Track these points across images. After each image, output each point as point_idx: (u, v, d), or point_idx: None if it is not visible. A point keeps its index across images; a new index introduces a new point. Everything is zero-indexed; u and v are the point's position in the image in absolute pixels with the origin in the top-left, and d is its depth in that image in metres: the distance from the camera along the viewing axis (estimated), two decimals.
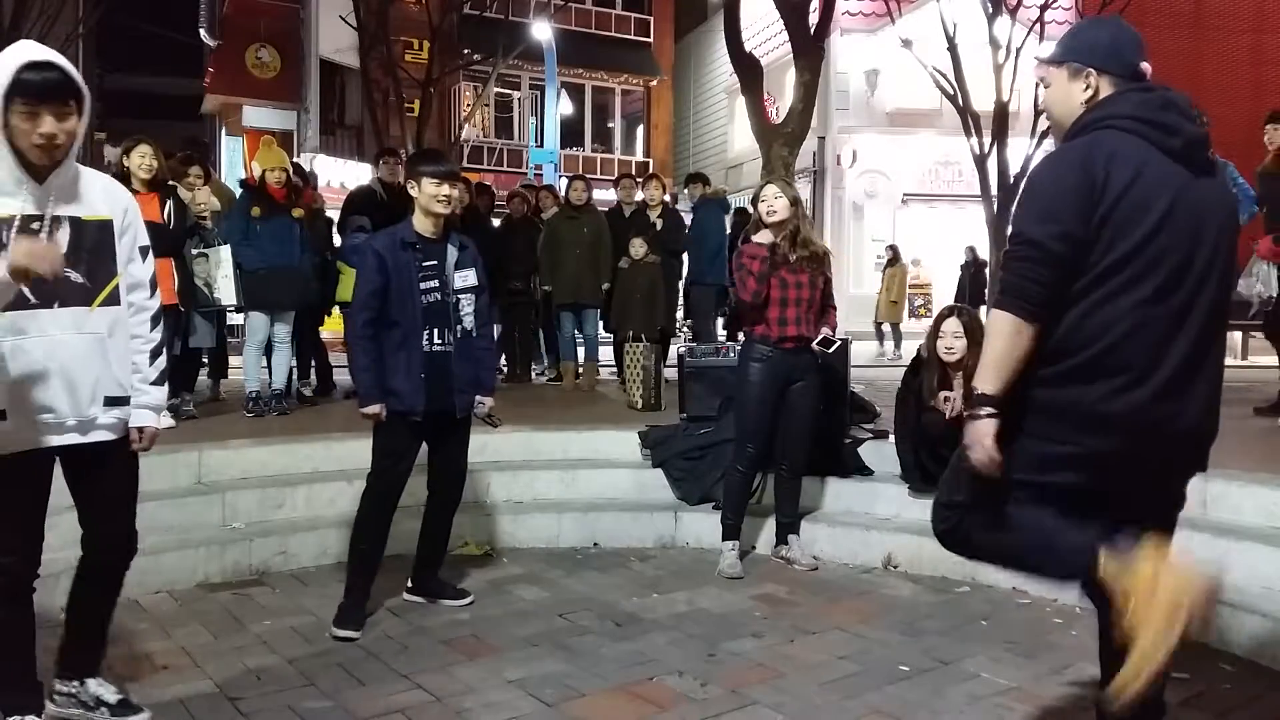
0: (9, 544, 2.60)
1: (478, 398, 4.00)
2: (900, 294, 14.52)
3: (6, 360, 2.51)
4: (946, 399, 4.53)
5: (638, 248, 7.55)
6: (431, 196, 3.79)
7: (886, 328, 14.53)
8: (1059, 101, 2.39)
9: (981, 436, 2.21)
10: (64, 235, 2.58)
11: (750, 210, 4.78)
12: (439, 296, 3.84)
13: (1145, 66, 2.34)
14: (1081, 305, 2.18)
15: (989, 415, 2.21)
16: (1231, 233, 2.31)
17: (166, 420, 5.62)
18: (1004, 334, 2.19)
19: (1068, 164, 2.23)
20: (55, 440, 2.62)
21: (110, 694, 2.88)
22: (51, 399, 2.58)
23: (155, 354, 2.86)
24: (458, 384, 3.89)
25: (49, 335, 2.56)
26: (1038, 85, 2.46)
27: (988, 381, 2.22)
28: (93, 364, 2.63)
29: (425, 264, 3.82)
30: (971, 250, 15.82)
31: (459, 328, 3.89)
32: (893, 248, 15.25)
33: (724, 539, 4.62)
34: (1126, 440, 2.19)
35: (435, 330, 3.83)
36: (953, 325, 4.53)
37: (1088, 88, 2.32)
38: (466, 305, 3.92)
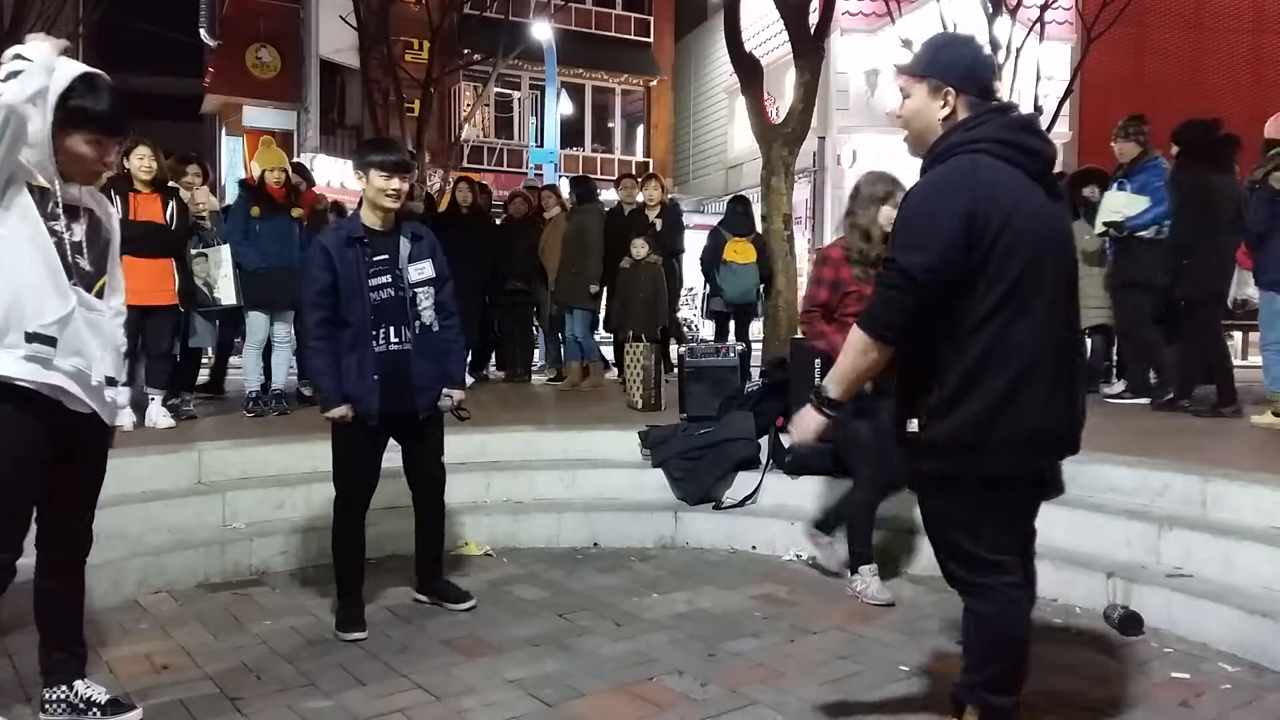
0: (15, 539, 2.66)
1: (444, 391, 3.87)
2: None
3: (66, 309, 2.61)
4: None
5: (639, 248, 7.54)
6: (379, 190, 3.66)
7: None
8: (918, 114, 2.48)
9: (811, 425, 2.50)
10: (82, 226, 2.71)
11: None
12: (392, 293, 3.70)
13: (996, 86, 2.51)
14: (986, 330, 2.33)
15: (829, 416, 2.49)
16: (1071, 249, 2.51)
17: (166, 420, 5.66)
18: (857, 351, 2.41)
19: (947, 192, 2.33)
20: (75, 390, 2.64)
21: (100, 694, 2.89)
22: (83, 349, 2.65)
23: (124, 357, 2.97)
24: (420, 382, 3.76)
25: (86, 307, 2.68)
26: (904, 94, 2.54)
27: (836, 390, 2.47)
28: (99, 340, 2.73)
29: (375, 259, 3.68)
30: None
31: (417, 324, 3.76)
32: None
33: (858, 564, 4.21)
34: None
35: (390, 328, 3.70)
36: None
37: (945, 105, 2.43)
38: (425, 299, 3.78)
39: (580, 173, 22.08)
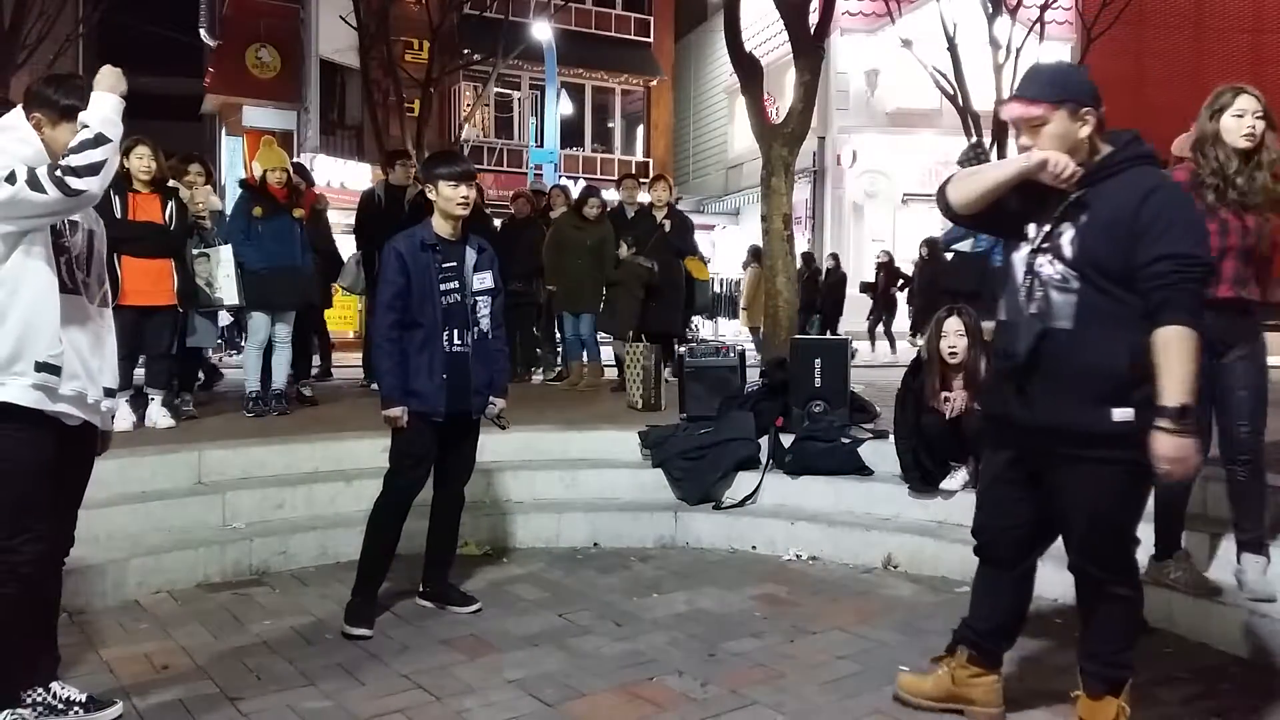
0: (39, 528, 2.71)
1: (491, 398, 4.02)
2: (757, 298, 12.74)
3: (62, 333, 2.68)
4: (946, 399, 4.54)
5: (623, 250, 7.58)
6: (449, 199, 3.80)
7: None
8: (1062, 138, 2.62)
9: (1187, 452, 2.48)
10: (81, 238, 2.80)
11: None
12: (458, 298, 3.86)
13: None
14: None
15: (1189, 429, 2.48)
16: None
17: (166, 420, 5.66)
18: (1193, 350, 2.47)
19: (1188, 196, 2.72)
20: (73, 412, 2.73)
21: (76, 693, 2.92)
22: (80, 372, 2.73)
23: (123, 360, 3.07)
24: (475, 385, 3.91)
25: (88, 319, 2.78)
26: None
27: (1186, 395, 2.46)
28: (99, 354, 2.83)
29: (445, 265, 3.83)
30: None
31: (476, 329, 3.92)
32: (755, 249, 14.15)
33: (1250, 552, 3.59)
34: None
35: (455, 331, 3.85)
36: (955, 324, 4.52)
37: (1086, 125, 2.62)
38: (483, 307, 3.94)
39: (580, 173, 22.01)
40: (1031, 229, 2.71)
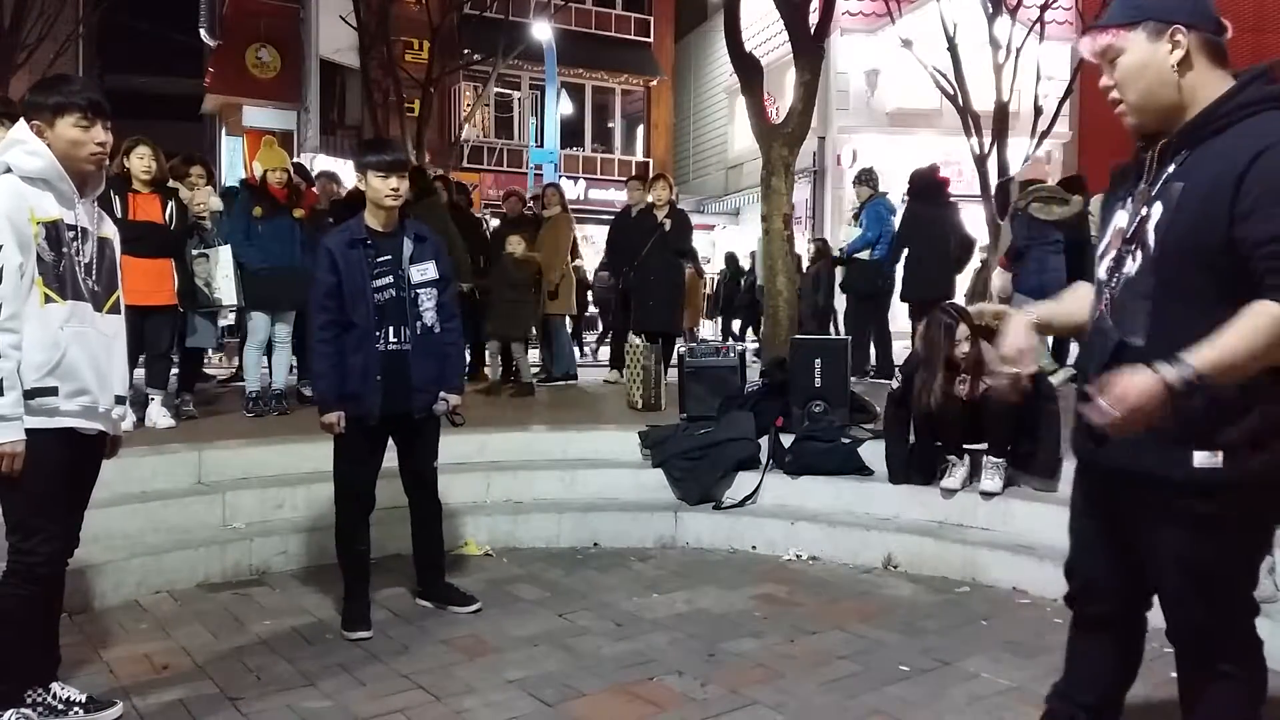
0: (54, 529, 2.76)
1: (441, 394, 3.86)
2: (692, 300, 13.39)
3: (70, 344, 2.70)
4: (963, 380, 4.59)
5: (514, 244, 7.57)
6: (378, 190, 3.66)
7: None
8: (1141, 70, 1.97)
9: (1149, 406, 1.82)
10: (91, 247, 2.83)
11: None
12: (394, 293, 3.71)
13: (1225, 21, 2.00)
14: None
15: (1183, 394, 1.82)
16: None
17: (166, 420, 5.66)
18: (1267, 334, 1.81)
19: None
20: (85, 424, 2.78)
21: (76, 694, 2.93)
22: (91, 384, 2.76)
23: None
24: (417, 383, 3.77)
25: (97, 329, 2.80)
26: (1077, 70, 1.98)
27: (1212, 369, 1.81)
28: (109, 363, 2.85)
29: (378, 260, 3.70)
30: (732, 258, 17.00)
31: (418, 324, 3.76)
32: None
33: None
34: None
35: (391, 328, 3.72)
36: (963, 331, 4.58)
37: (1177, 48, 1.94)
38: (427, 300, 3.78)
39: (580, 173, 21.96)
40: (1121, 215, 2.09)
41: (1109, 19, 2.03)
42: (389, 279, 3.72)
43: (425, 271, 3.79)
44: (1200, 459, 1.91)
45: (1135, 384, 1.83)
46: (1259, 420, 1.88)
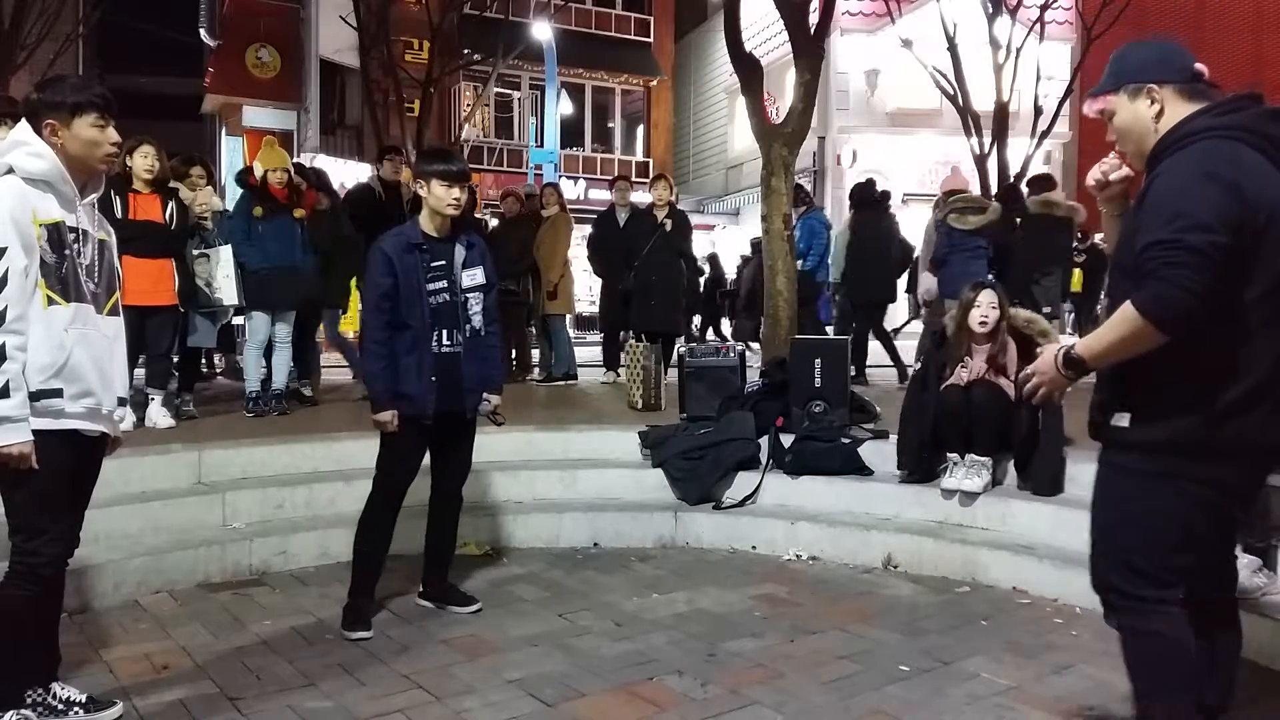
0: (58, 529, 2.76)
1: (485, 395, 3.98)
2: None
3: (74, 346, 2.71)
4: (964, 365, 4.70)
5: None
6: (441, 199, 3.75)
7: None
8: (1131, 125, 2.38)
9: (1053, 379, 2.38)
10: (92, 249, 2.83)
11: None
12: (447, 297, 3.81)
13: (1200, 67, 2.37)
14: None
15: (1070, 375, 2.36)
16: None
17: (166, 420, 5.66)
18: (1127, 329, 2.22)
19: (1211, 165, 2.18)
20: (89, 426, 2.79)
21: (76, 694, 2.93)
22: (95, 385, 2.77)
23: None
24: (467, 384, 3.87)
25: (99, 330, 2.81)
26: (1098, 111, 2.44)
27: (1090, 356, 2.31)
28: (111, 364, 2.86)
29: (433, 264, 3.79)
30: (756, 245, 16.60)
31: (468, 327, 3.87)
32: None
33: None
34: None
35: (445, 331, 3.80)
36: (989, 297, 4.71)
37: (1154, 102, 2.34)
38: (475, 304, 3.89)
39: (580, 173, 21.92)
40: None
41: (1099, 88, 2.45)
42: (443, 283, 3.81)
43: (475, 276, 3.89)
44: (1120, 419, 2.36)
45: (1041, 359, 2.43)
46: (1162, 393, 2.29)
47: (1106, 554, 2.42)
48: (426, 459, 4.00)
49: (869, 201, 8.77)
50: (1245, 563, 3.62)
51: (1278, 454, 2.38)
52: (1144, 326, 2.16)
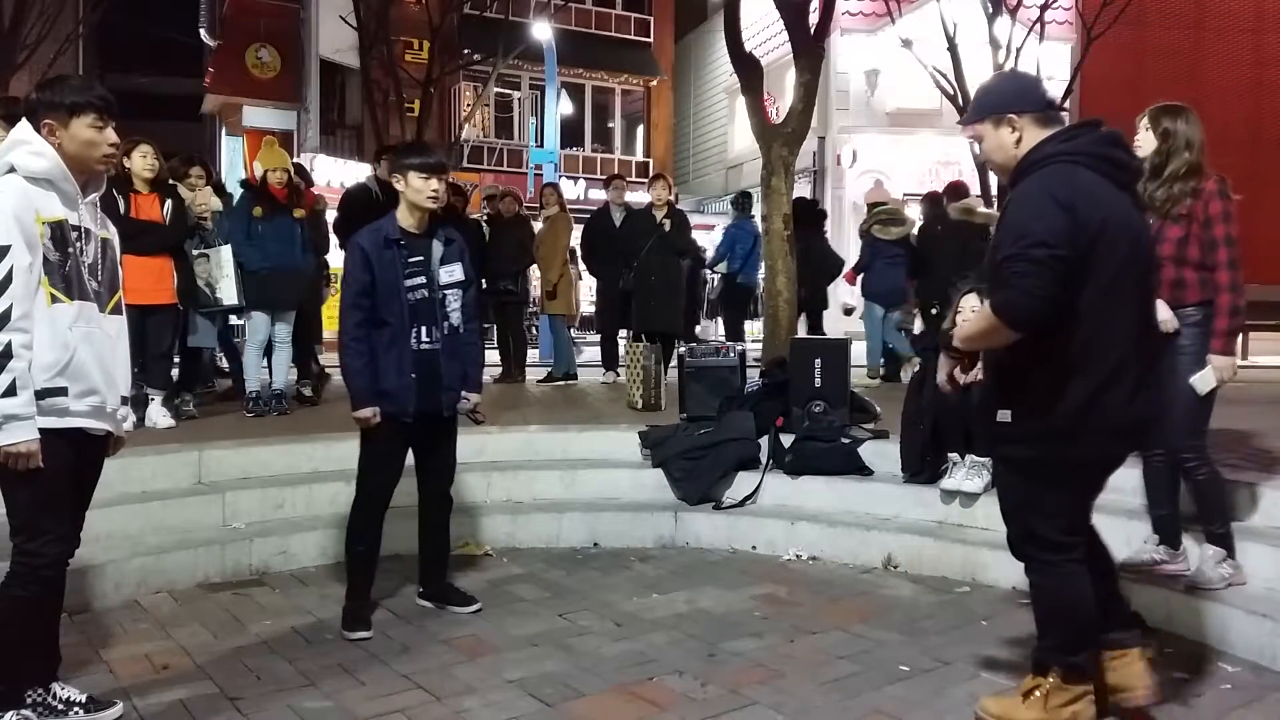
0: (60, 529, 2.77)
1: (463, 393, 3.92)
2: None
3: (79, 344, 2.72)
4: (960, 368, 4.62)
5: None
6: (419, 191, 3.70)
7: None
8: (996, 151, 2.80)
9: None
10: (94, 247, 2.84)
11: None
12: (425, 293, 3.75)
13: (1053, 96, 2.84)
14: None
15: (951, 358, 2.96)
16: (1151, 254, 2.84)
17: (166, 420, 5.66)
18: (984, 324, 2.74)
19: (1050, 190, 2.60)
20: (94, 425, 2.80)
21: (76, 694, 2.93)
22: (100, 384, 2.78)
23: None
24: (446, 382, 3.82)
25: (102, 329, 2.81)
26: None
27: (959, 340, 2.92)
28: (114, 363, 2.86)
29: (410, 260, 3.73)
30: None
31: (446, 324, 3.81)
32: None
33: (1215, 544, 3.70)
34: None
35: (423, 328, 3.75)
36: (970, 300, 4.57)
37: (1014, 130, 2.74)
38: (453, 301, 3.83)
39: (580, 173, 21.90)
40: None
41: (968, 119, 2.88)
42: (421, 279, 3.75)
43: (453, 273, 3.84)
44: (1003, 415, 2.74)
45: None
46: (1033, 389, 2.69)
47: (1018, 532, 2.87)
48: (410, 460, 3.97)
49: (809, 216, 9.24)
50: (1210, 554, 3.68)
51: (1137, 430, 2.78)
52: (998, 324, 2.61)
